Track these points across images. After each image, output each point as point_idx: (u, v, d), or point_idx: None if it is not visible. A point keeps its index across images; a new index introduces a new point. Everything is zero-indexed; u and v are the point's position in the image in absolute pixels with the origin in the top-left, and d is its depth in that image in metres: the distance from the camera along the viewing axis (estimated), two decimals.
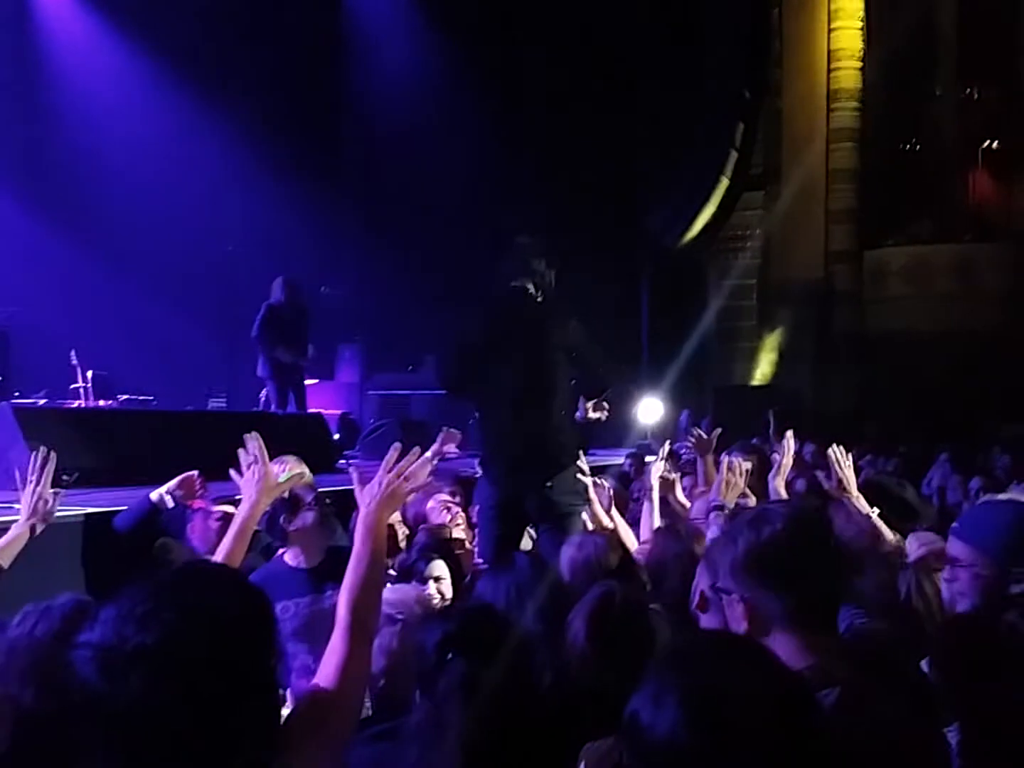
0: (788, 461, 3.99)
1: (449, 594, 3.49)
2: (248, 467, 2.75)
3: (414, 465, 2.30)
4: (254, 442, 2.76)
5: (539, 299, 4.28)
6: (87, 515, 4.48)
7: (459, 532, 4.25)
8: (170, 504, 3.45)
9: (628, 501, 5.35)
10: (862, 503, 3.44)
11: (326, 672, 1.86)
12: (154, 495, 3.48)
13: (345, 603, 1.99)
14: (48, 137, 11.17)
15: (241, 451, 2.77)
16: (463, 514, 4.56)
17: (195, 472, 3.16)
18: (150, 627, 1.32)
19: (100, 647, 1.32)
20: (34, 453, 2.95)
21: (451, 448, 4.91)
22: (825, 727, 1.33)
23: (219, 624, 1.38)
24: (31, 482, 2.90)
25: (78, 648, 1.34)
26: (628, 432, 15.22)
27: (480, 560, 4.02)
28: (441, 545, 3.68)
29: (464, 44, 13.75)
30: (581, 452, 4.17)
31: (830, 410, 17.87)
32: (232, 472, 2.78)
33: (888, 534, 3.35)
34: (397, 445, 2.36)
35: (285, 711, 2.67)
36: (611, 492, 4.19)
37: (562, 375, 4.13)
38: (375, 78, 13.93)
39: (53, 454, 2.95)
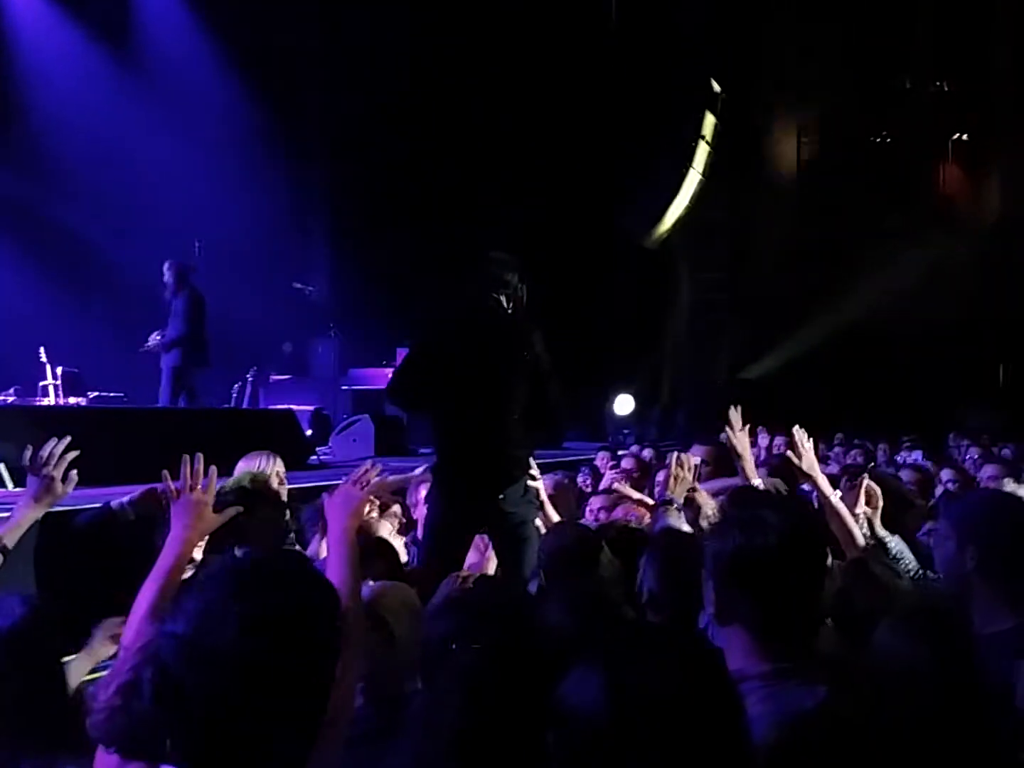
0: (745, 441, 3.95)
1: None
2: (180, 494, 2.49)
3: (372, 475, 2.34)
4: (197, 465, 2.51)
5: (510, 312, 4.28)
6: (46, 513, 4.45)
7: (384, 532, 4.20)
8: (131, 516, 3.28)
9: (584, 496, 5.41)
10: (825, 485, 3.45)
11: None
12: (115, 503, 3.34)
13: None
14: (15, 133, 11.05)
15: (181, 472, 2.51)
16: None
17: (159, 485, 2.99)
18: (224, 624, 1.36)
19: (182, 639, 1.36)
20: (54, 439, 2.83)
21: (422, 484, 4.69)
22: (744, 722, 1.36)
23: (287, 624, 1.41)
24: (40, 461, 2.78)
25: (163, 637, 1.38)
26: (602, 426, 15.29)
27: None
28: (379, 543, 3.67)
29: (433, 45, 13.73)
30: (537, 472, 4.19)
31: (801, 403, 17.98)
32: (171, 485, 2.53)
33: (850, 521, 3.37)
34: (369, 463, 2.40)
35: None
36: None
37: (521, 389, 4.14)
38: (343, 73, 13.87)
39: (55, 440, 2.82)
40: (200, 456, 2.54)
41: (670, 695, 1.30)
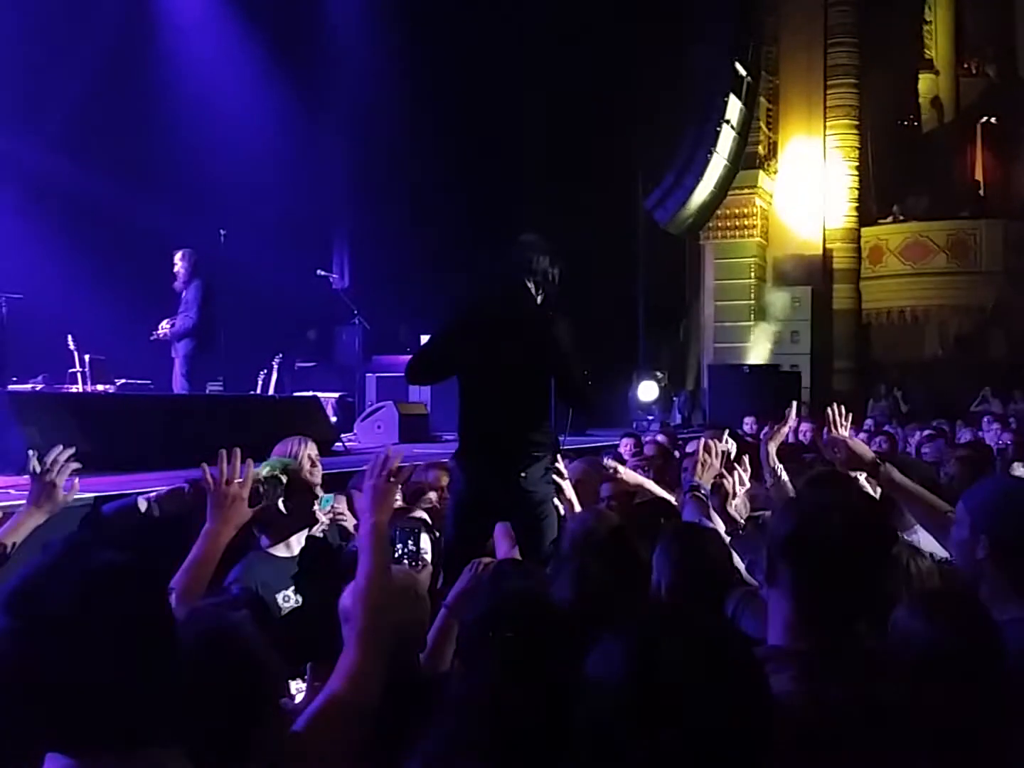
0: (786, 429, 4.05)
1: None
2: (218, 487, 2.54)
3: (396, 463, 2.34)
4: (234, 459, 2.57)
5: (539, 298, 4.29)
6: (96, 498, 4.52)
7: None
8: (155, 512, 3.23)
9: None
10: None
11: (340, 677, 1.87)
12: (142, 499, 3.27)
13: (358, 609, 2.01)
14: (49, 111, 11.08)
15: (218, 465, 2.53)
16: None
17: (185, 485, 2.94)
18: (60, 592, 1.33)
19: (7, 631, 1.32)
20: (59, 447, 2.84)
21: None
22: (768, 705, 1.36)
23: (121, 581, 1.37)
24: (44, 467, 2.80)
25: None
26: (625, 413, 15.26)
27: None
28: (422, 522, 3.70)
29: (457, 30, 13.68)
30: (560, 456, 4.20)
31: (827, 387, 17.90)
32: (208, 477, 2.57)
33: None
34: (382, 451, 2.38)
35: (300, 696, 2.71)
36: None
37: (542, 376, 4.16)
38: (366, 62, 13.84)
39: (61, 448, 2.83)
40: (238, 451, 2.58)
41: (695, 669, 1.30)
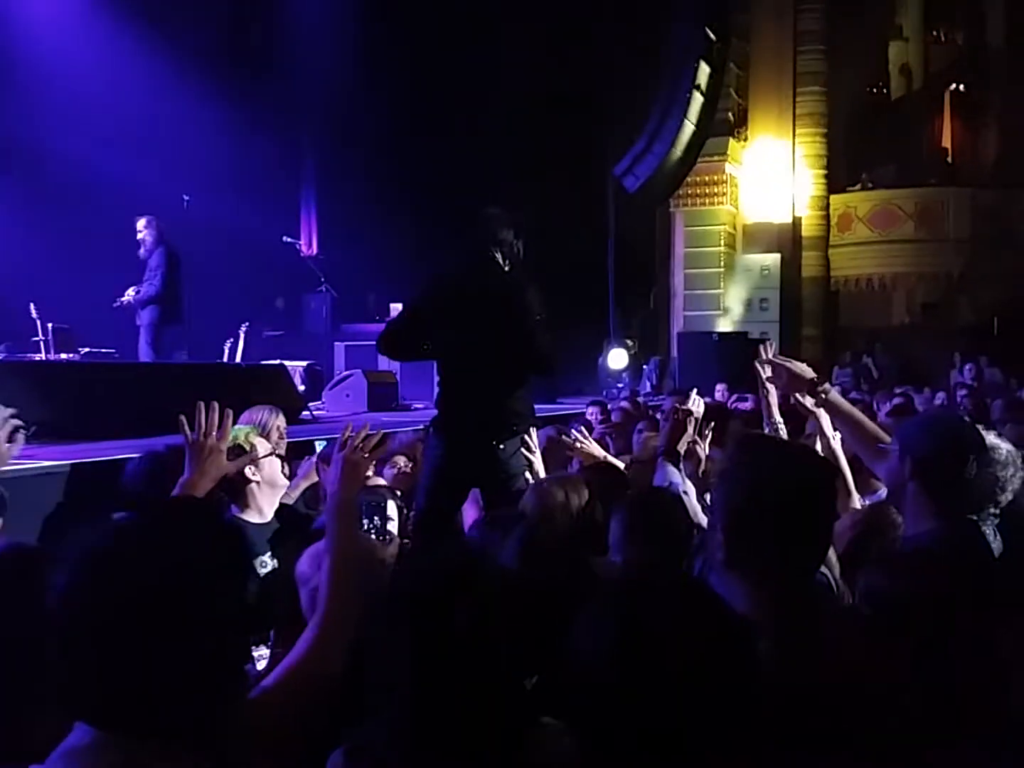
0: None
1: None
2: (195, 442, 2.55)
3: (363, 435, 2.30)
4: (212, 413, 2.58)
5: (506, 268, 4.29)
6: (72, 466, 4.52)
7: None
8: None
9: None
10: (827, 426, 3.41)
11: (302, 649, 1.87)
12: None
13: (326, 582, 2.00)
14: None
15: (196, 419, 2.56)
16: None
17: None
18: (119, 569, 1.32)
19: (69, 587, 1.32)
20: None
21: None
22: (755, 675, 1.35)
23: (186, 567, 1.36)
24: None
25: (50, 590, 1.33)
26: (594, 380, 15.28)
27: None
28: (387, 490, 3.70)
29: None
30: (533, 429, 4.18)
31: (796, 354, 17.98)
32: (187, 429, 2.59)
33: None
34: (357, 422, 2.36)
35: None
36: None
37: (516, 345, 4.15)
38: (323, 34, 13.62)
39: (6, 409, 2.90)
40: (216, 404, 2.61)
41: (682, 636, 1.30)
